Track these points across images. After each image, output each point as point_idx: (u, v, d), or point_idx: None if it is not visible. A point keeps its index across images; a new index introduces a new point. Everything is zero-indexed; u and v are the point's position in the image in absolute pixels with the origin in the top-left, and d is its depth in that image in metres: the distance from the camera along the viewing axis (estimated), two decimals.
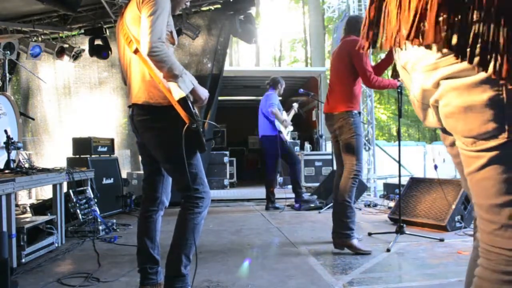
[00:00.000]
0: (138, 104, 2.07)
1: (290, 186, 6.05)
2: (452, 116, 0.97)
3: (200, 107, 5.68)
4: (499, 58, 0.83)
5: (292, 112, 5.84)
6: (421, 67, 1.02)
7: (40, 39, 5.76)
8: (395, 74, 1.25)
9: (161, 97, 1.99)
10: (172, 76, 1.90)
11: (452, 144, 1.13)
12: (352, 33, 3.34)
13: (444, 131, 1.12)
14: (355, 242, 3.10)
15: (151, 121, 2.06)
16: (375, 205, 5.58)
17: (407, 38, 0.92)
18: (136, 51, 1.99)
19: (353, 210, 3.19)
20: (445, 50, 0.93)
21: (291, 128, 5.73)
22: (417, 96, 1.09)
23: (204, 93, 2.09)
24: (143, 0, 1.95)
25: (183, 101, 1.93)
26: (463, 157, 1.01)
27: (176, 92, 1.91)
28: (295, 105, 5.93)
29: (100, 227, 3.86)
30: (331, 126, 3.34)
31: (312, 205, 5.42)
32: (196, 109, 2.15)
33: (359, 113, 3.29)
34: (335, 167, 6.18)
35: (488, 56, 0.84)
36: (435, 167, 4.39)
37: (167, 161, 2.11)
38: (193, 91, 2.01)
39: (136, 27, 1.99)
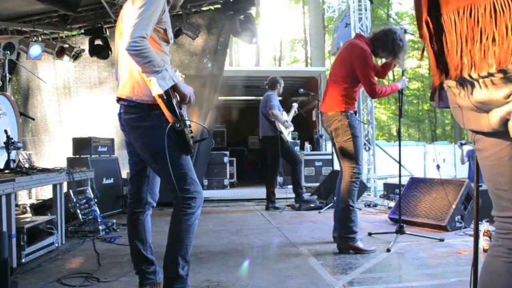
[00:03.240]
0: (123, 98, 2.06)
1: (290, 186, 6.05)
2: None
3: (199, 107, 5.73)
4: None
5: (292, 113, 5.84)
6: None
7: (40, 39, 5.76)
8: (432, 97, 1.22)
9: (146, 95, 1.96)
10: (150, 72, 1.85)
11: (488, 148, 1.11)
12: (371, 44, 3.17)
13: (483, 133, 1.10)
14: (360, 244, 3.11)
15: (136, 120, 2.04)
16: (375, 205, 5.58)
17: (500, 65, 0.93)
18: None
19: (356, 213, 3.18)
20: None
21: (292, 128, 5.73)
22: (481, 98, 1.04)
23: (187, 89, 2.04)
24: None
25: (166, 99, 1.89)
26: None
27: (154, 88, 1.88)
28: (295, 105, 5.93)
29: (100, 227, 3.86)
30: (327, 127, 3.28)
31: (312, 205, 5.42)
32: (184, 110, 2.12)
33: (355, 112, 3.21)
34: (335, 167, 6.25)
35: None
36: (438, 167, 4.38)
37: (154, 162, 2.07)
38: (175, 88, 1.97)
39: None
